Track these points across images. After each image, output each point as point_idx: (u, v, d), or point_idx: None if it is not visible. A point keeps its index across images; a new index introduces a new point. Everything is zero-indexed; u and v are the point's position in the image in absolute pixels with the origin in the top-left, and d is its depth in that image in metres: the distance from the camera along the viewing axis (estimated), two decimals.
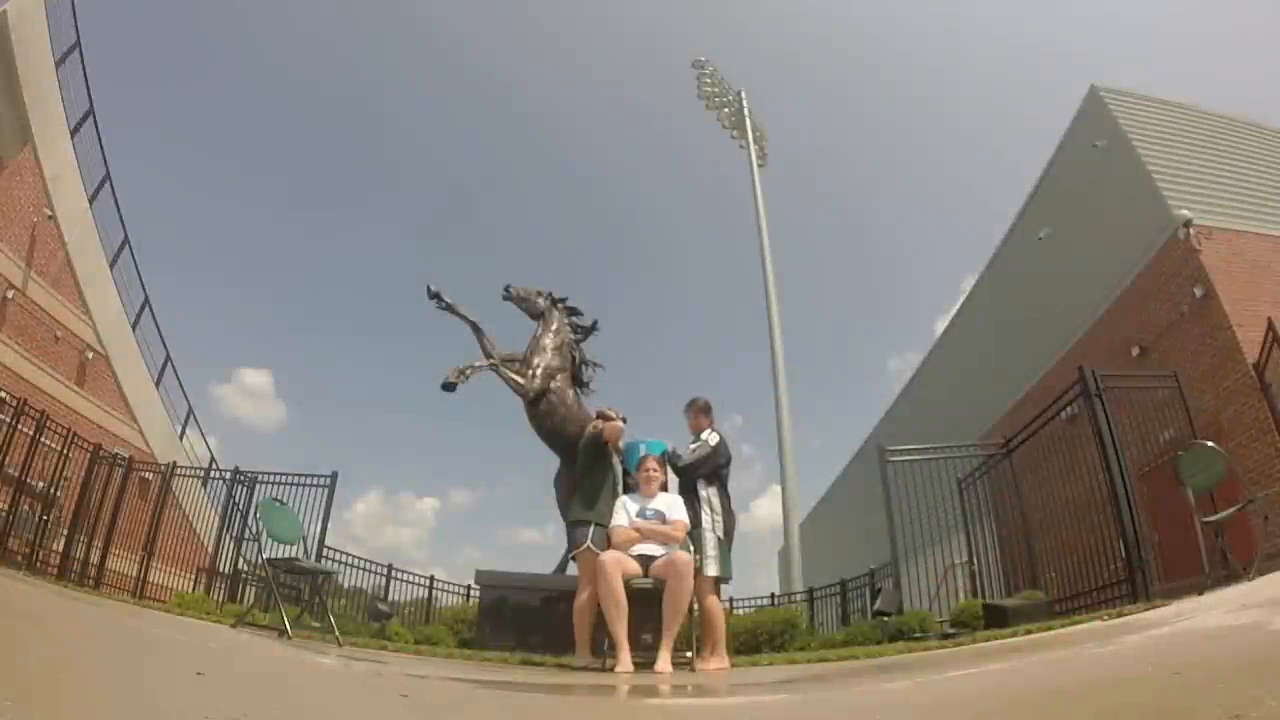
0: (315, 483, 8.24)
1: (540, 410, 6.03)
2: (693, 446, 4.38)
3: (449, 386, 5.92)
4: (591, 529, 4.06)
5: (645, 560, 3.69)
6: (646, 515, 3.90)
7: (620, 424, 4.50)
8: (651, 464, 4.11)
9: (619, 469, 4.68)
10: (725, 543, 4.16)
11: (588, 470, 4.40)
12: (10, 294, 9.98)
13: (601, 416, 4.90)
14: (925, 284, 65.19)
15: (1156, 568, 4.98)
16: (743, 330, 73.74)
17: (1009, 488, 6.79)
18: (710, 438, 4.40)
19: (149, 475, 9.82)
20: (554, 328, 6.48)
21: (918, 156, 65.83)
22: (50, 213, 10.84)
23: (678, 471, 4.36)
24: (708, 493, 4.23)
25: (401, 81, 62.49)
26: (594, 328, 6.76)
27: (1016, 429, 6.95)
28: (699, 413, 4.62)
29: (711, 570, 4.01)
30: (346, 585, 10.15)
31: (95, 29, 28.41)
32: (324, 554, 8.29)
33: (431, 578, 12.69)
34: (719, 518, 4.18)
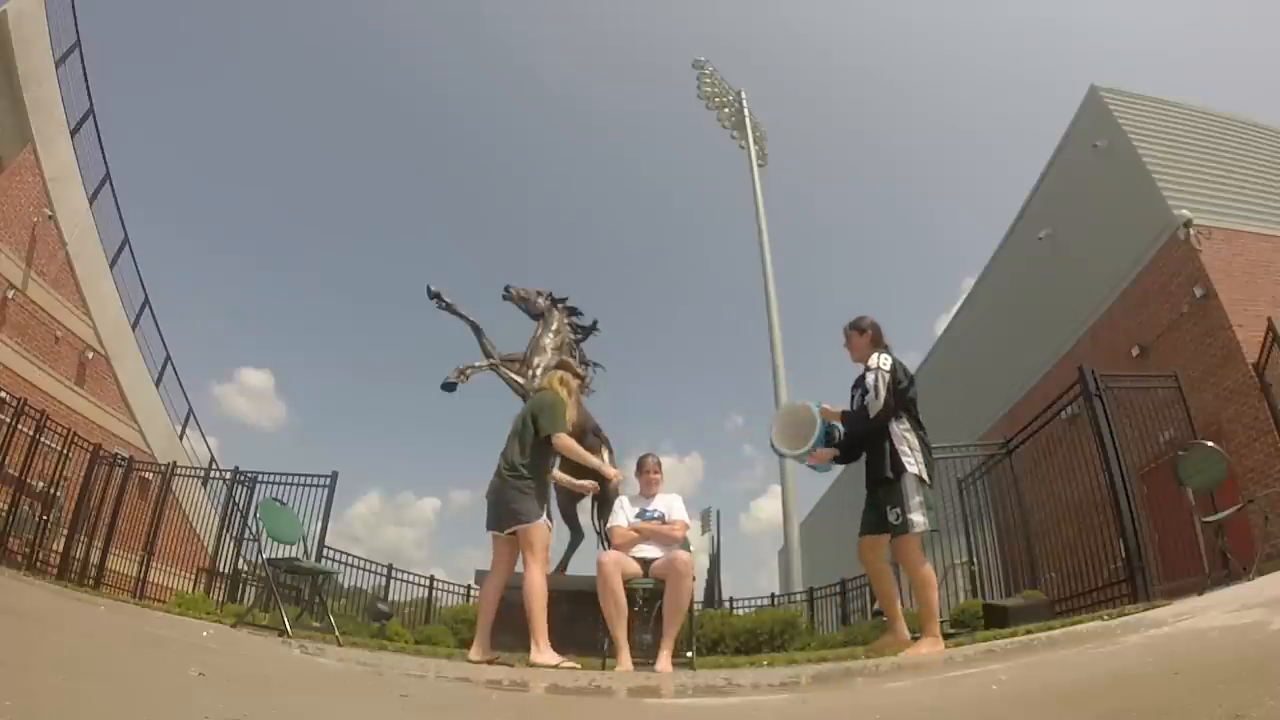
0: (315, 483, 8.24)
1: None
2: (870, 381, 3.52)
3: (449, 386, 5.94)
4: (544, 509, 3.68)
5: (645, 563, 3.69)
6: (647, 516, 3.90)
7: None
8: (651, 464, 4.10)
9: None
10: (929, 485, 3.45)
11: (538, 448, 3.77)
12: (10, 294, 9.98)
13: (563, 366, 4.66)
14: (925, 284, 65.22)
15: (1156, 568, 4.98)
16: (743, 330, 73.76)
17: (1009, 488, 6.78)
18: (881, 361, 3.56)
19: (149, 475, 9.81)
20: (554, 328, 6.49)
21: (917, 156, 65.82)
22: (50, 213, 10.84)
23: (869, 425, 3.49)
24: (899, 429, 3.48)
25: (402, 82, 62.49)
26: (594, 327, 6.77)
27: (1016, 429, 6.94)
28: (862, 332, 3.77)
29: (918, 525, 3.31)
30: (346, 585, 10.17)
31: (95, 29, 28.41)
32: (324, 554, 8.29)
33: (431, 578, 12.70)
34: (918, 455, 3.45)
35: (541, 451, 3.75)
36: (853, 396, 3.84)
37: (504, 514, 3.62)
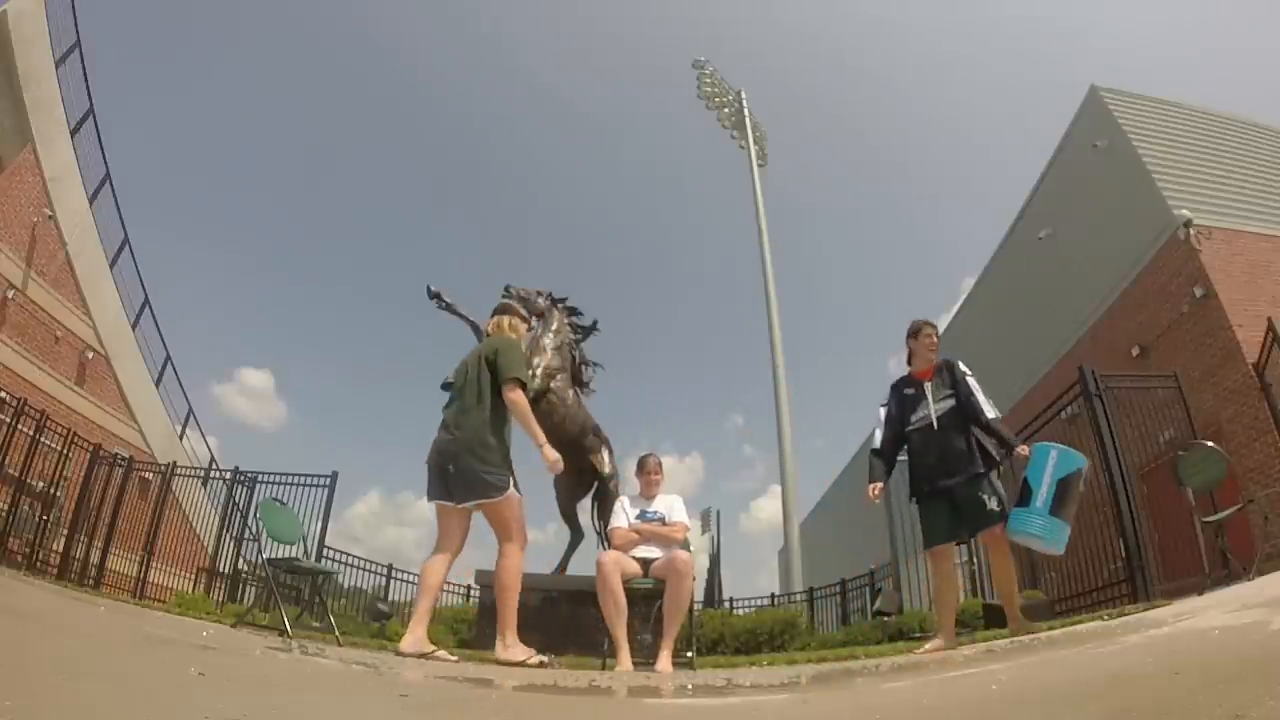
0: (315, 483, 8.25)
1: (540, 410, 6.03)
2: (973, 384, 3.63)
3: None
4: (512, 480, 3.23)
5: (645, 563, 3.69)
6: (647, 517, 3.90)
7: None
8: (652, 465, 4.10)
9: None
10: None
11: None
12: (10, 294, 9.98)
13: (504, 310, 3.85)
14: (925, 284, 65.26)
15: (1156, 568, 4.98)
16: (743, 330, 73.79)
17: (1008, 488, 6.78)
18: (959, 361, 3.74)
19: (149, 475, 9.82)
20: (554, 328, 6.49)
21: (918, 156, 65.86)
22: (50, 213, 10.84)
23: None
24: (975, 427, 3.61)
25: (403, 82, 62.50)
26: (594, 327, 6.77)
27: (1016, 429, 6.92)
28: (932, 334, 3.83)
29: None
30: (346, 585, 10.16)
31: (95, 29, 28.42)
32: (324, 554, 8.29)
33: None
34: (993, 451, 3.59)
35: (504, 405, 3.27)
36: (903, 399, 3.83)
37: (466, 483, 3.13)
